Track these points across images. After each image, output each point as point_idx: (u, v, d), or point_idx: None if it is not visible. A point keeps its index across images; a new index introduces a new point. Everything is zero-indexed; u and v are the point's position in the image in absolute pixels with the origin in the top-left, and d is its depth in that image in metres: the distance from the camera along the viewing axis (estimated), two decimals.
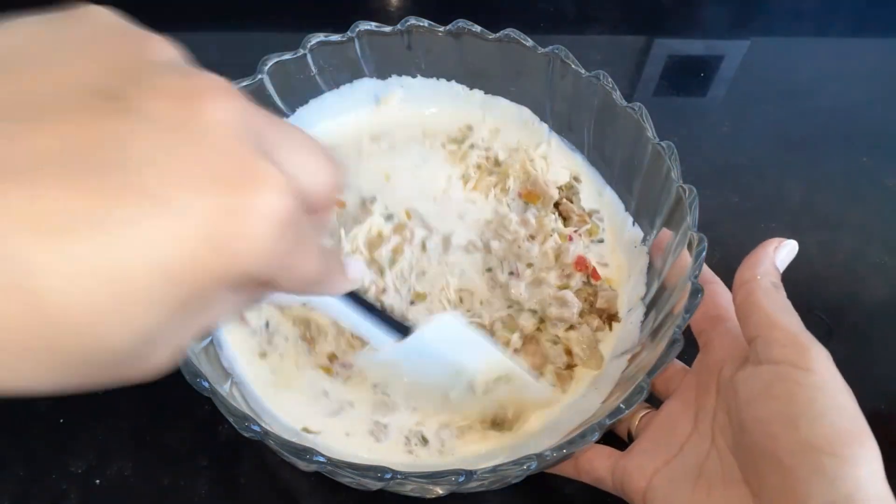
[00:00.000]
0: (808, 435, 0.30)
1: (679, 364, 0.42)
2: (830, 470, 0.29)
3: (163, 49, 0.21)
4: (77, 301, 0.17)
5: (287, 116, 0.53)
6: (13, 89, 0.18)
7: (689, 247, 0.42)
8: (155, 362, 0.21)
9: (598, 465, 0.38)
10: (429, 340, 0.38)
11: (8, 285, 0.16)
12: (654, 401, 0.42)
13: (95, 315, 0.18)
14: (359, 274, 0.30)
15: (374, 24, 0.51)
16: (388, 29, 0.52)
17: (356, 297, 0.34)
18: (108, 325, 0.18)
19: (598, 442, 0.37)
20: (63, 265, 0.17)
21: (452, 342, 0.40)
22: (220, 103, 0.20)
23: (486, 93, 0.55)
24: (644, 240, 0.49)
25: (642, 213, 0.50)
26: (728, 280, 0.42)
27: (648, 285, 0.47)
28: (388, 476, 0.33)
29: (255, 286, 0.22)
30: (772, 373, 0.33)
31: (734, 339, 0.38)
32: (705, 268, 0.42)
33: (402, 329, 0.37)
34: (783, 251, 0.37)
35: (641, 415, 0.41)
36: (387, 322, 0.36)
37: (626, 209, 0.51)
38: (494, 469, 0.34)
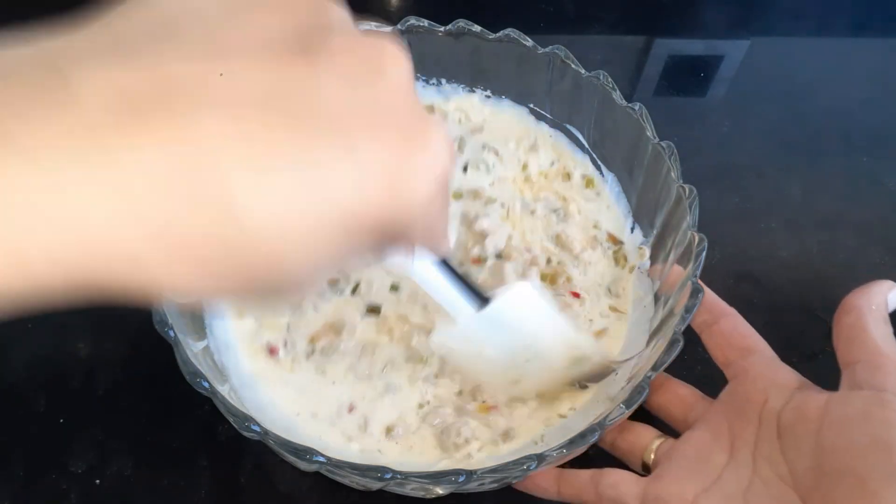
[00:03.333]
0: None
1: (698, 392, 0.40)
2: None
3: (336, 9, 0.22)
4: (273, 229, 0.19)
5: None
6: (210, 39, 0.19)
7: (689, 247, 0.42)
8: (306, 288, 0.22)
9: (625, 490, 0.37)
10: (506, 310, 0.38)
11: (213, 206, 0.18)
12: (661, 425, 0.41)
13: (286, 244, 0.19)
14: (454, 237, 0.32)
15: (374, 24, 0.51)
16: (388, 29, 0.52)
17: (445, 264, 0.35)
18: (294, 254, 0.20)
19: (596, 445, 0.37)
20: (265, 195, 0.18)
21: (528, 314, 0.40)
22: (398, 63, 0.22)
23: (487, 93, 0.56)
24: (644, 240, 0.49)
25: (642, 213, 0.50)
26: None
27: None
28: (388, 476, 0.33)
29: (396, 236, 0.24)
30: (873, 399, 0.32)
31: (772, 368, 0.38)
32: (720, 301, 0.41)
33: (482, 298, 0.37)
34: (894, 293, 0.37)
35: (657, 444, 0.39)
36: (469, 290, 0.37)
37: (627, 209, 0.51)
38: (494, 469, 0.34)
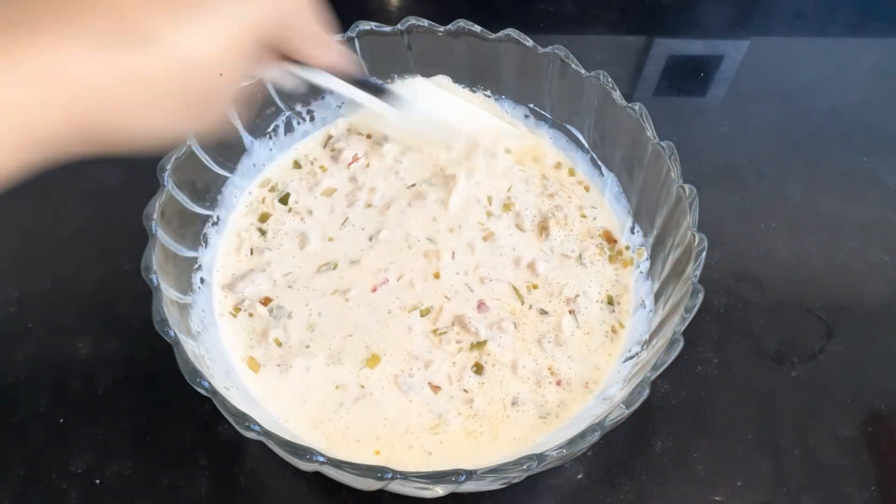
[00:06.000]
0: None
1: None
2: None
3: None
4: (203, 56, 0.27)
5: (285, 114, 0.53)
6: None
7: (689, 247, 0.42)
8: (223, 105, 0.30)
9: None
10: (421, 105, 0.44)
11: (156, 55, 0.26)
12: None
13: (217, 61, 0.28)
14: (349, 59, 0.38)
15: (374, 24, 0.51)
16: (387, 29, 0.52)
17: (356, 81, 0.40)
18: (226, 68, 0.28)
19: (596, 444, 0.37)
20: (186, 34, 0.27)
21: (440, 106, 0.47)
22: None
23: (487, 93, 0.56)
24: (644, 241, 0.49)
25: (642, 213, 0.50)
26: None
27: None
28: (388, 476, 0.33)
29: (292, 44, 0.33)
30: None
31: None
32: None
33: (393, 98, 0.43)
34: None
35: None
36: (382, 93, 0.42)
37: (627, 210, 0.51)
38: (494, 469, 0.34)
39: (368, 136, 0.56)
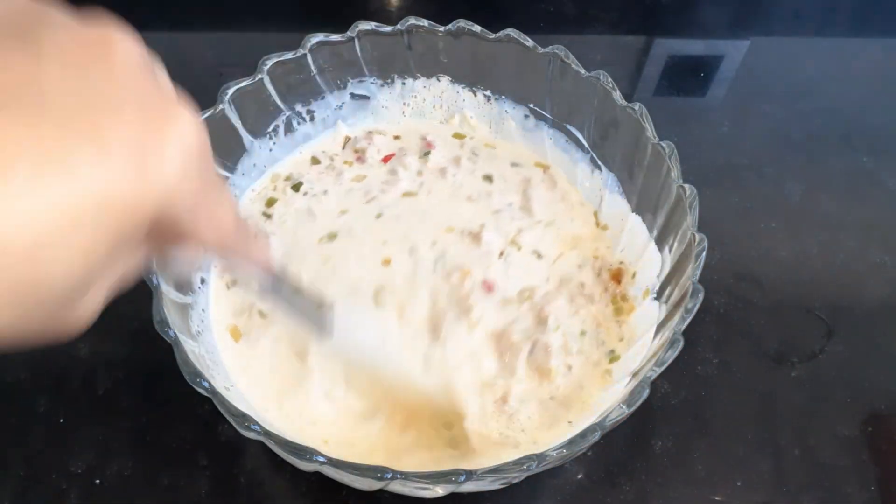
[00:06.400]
0: None
1: None
2: None
3: (50, 10, 0.21)
4: (19, 231, 0.17)
5: (285, 114, 0.53)
6: None
7: (689, 247, 0.42)
8: (85, 309, 0.22)
9: None
10: (344, 333, 0.40)
11: None
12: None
13: (45, 248, 0.18)
14: (273, 253, 0.31)
15: (374, 24, 0.51)
16: (388, 29, 0.52)
17: (285, 291, 0.36)
18: (57, 259, 0.19)
19: (596, 444, 0.37)
20: (6, 199, 0.17)
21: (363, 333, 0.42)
22: (125, 45, 0.21)
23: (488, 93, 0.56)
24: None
25: (642, 212, 0.50)
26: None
27: None
28: (389, 476, 0.33)
29: (172, 228, 0.22)
30: None
31: None
32: None
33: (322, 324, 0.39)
34: None
35: None
36: (310, 319, 0.38)
37: (626, 210, 0.51)
38: (495, 469, 0.34)
39: (396, 138, 0.56)
